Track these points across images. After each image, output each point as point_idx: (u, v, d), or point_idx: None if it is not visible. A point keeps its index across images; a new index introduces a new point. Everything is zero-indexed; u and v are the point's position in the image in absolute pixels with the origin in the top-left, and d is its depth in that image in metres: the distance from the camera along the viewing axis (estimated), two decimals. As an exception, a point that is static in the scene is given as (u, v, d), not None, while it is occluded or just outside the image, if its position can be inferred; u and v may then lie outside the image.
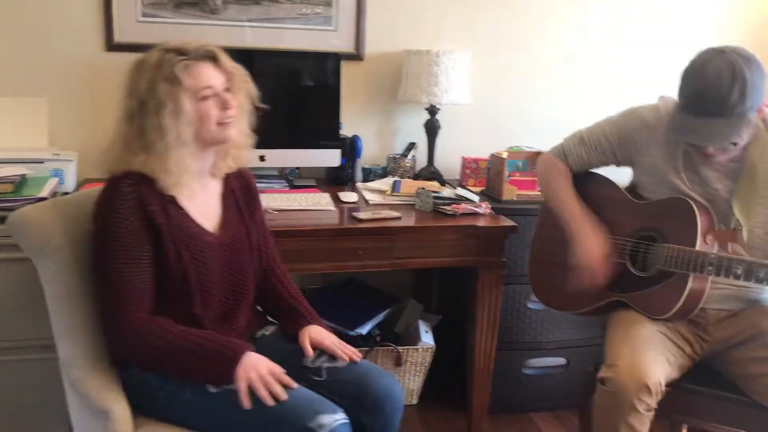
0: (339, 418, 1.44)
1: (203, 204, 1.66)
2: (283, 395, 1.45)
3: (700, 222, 1.75)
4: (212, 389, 1.49)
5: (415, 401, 2.69)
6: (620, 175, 2.03)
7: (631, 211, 1.91)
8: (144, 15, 2.54)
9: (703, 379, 1.83)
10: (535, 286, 2.13)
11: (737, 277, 1.66)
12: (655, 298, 1.81)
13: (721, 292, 1.80)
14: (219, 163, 1.69)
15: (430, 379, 2.70)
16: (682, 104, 1.72)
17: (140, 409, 1.54)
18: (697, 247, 1.73)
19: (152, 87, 1.52)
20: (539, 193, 2.17)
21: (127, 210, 1.50)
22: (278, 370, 1.50)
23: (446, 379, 2.74)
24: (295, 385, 1.50)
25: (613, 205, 1.95)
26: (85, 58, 2.54)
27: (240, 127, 1.67)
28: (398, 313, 2.78)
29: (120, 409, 1.49)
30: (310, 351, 1.64)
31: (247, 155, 1.74)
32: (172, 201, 1.57)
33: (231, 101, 1.61)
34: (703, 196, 1.80)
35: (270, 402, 1.43)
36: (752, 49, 1.68)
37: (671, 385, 1.76)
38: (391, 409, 1.62)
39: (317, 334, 1.68)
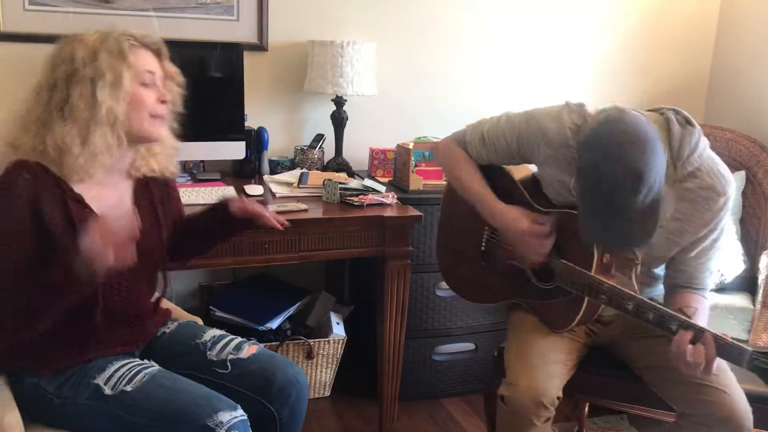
0: (238, 414, 1.44)
1: (113, 207, 1.54)
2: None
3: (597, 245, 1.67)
4: (107, 391, 1.45)
5: (327, 393, 2.70)
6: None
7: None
8: (32, 3, 2.40)
9: (601, 362, 1.90)
10: (444, 273, 2.12)
11: (627, 312, 1.61)
12: (554, 311, 1.80)
13: None
14: (138, 162, 1.61)
15: (343, 371, 2.71)
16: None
17: (34, 417, 1.49)
18: (594, 269, 1.66)
19: (93, 56, 1.44)
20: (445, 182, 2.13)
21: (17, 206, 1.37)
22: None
23: (359, 370, 2.76)
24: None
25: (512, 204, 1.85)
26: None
27: (169, 131, 1.62)
28: (310, 306, 2.78)
29: (11, 419, 1.43)
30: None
31: (173, 166, 1.69)
32: (79, 200, 1.46)
33: (167, 95, 1.55)
34: None
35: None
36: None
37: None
38: (297, 396, 1.64)
39: (239, 204, 1.71)
